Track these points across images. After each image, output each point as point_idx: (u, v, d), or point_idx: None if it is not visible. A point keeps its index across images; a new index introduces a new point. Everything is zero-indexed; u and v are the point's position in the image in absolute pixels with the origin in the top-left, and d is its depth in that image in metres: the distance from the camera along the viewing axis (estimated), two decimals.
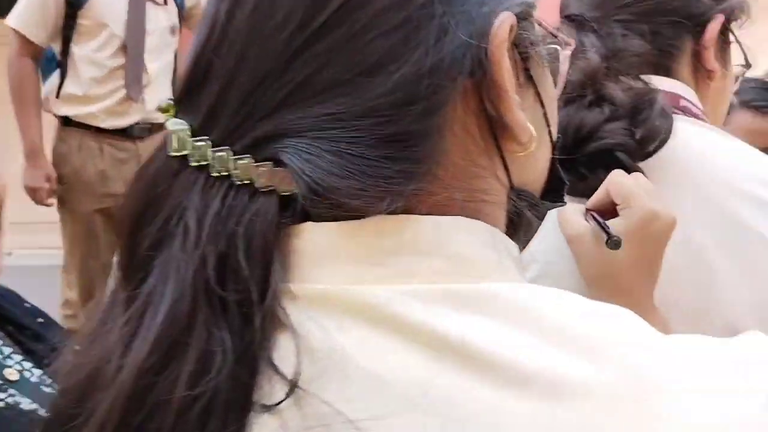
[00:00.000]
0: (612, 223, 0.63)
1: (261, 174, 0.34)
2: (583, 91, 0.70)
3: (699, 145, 0.75)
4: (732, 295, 0.69)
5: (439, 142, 0.36)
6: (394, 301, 0.32)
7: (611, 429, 0.29)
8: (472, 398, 0.30)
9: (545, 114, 0.43)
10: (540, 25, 0.43)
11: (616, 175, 0.66)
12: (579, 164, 0.69)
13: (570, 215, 0.66)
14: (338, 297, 0.33)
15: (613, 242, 0.60)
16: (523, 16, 0.39)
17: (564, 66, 0.49)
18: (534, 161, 0.43)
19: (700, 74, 0.81)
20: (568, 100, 0.69)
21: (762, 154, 0.79)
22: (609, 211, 0.65)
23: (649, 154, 0.70)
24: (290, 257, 0.34)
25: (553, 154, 0.46)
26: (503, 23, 0.36)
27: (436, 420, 0.29)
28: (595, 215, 0.65)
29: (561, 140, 0.57)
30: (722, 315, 0.69)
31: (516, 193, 0.41)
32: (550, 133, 0.45)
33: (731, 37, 0.82)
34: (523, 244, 0.45)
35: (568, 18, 0.76)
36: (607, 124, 0.69)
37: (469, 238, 0.36)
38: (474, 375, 0.30)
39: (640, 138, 0.70)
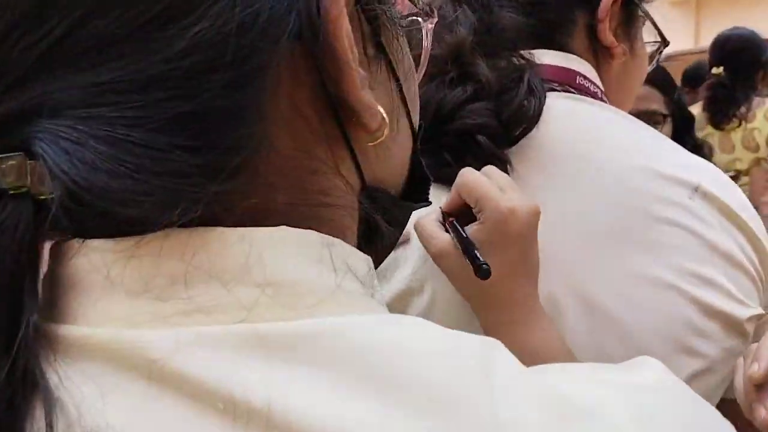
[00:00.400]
0: (471, 232, 0.58)
1: (7, 169, 0.24)
2: (446, 68, 0.65)
3: (587, 126, 0.69)
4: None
5: (256, 125, 0.27)
6: (182, 352, 0.24)
7: None
8: None
9: (402, 95, 0.35)
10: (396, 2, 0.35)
11: (465, 175, 0.60)
12: (443, 149, 0.64)
13: (428, 227, 0.60)
14: (106, 346, 0.24)
15: (482, 272, 0.53)
16: None
17: (427, 41, 0.42)
18: (390, 153, 0.35)
19: (601, 51, 0.75)
20: (431, 77, 0.64)
21: (660, 135, 0.75)
22: (466, 213, 0.60)
23: (516, 139, 0.65)
24: (56, 288, 0.26)
25: (415, 144, 0.38)
26: None
27: None
28: (456, 226, 0.59)
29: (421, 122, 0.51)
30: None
31: (368, 193, 0.34)
32: (410, 118, 0.37)
33: (640, 12, 0.76)
34: (382, 256, 0.38)
35: None
36: (469, 103, 0.64)
37: (294, 257, 0.27)
38: None
39: (506, 120, 0.64)
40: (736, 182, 2.73)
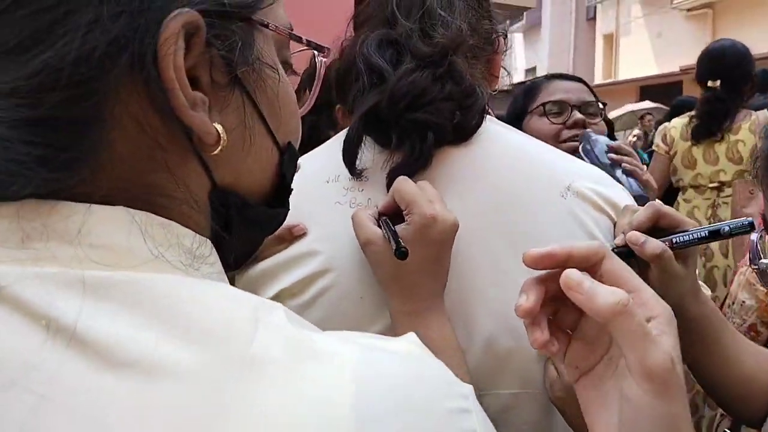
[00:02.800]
0: (399, 229, 0.68)
1: None
2: (441, 60, 0.73)
3: (517, 144, 0.81)
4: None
5: (93, 132, 0.37)
6: (22, 283, 0.33)
7: (196, 408, 0.31)
8: (74, 380, 0.31)
9: (262, 117, 0.45)
10: (277, 30, 0.45)
11: (400, 182, 0.71)
12: (393, 129, 0.73)
13: (363, 220, 0.70)
14: None
15: (400, 252, 0.64)
16: (229, 11, 0.40)
17: (320, 71, 0.54)
18: (244, 164, 0.44)
19: (488, 79, 0.86)
20: (425, 63, 0.72)
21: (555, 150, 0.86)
22: (399, 215, 0.69)
23: (455, 141, 0.75)
24: None
25: (281, 157, 0.48)
26: (174, 20, 0.37)
27: (31, 397, 0.31)
28: (387, 221, 0.69)
29: (393, 100, 0.68)
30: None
31: (219, 194, 0.43)
32: (273, 136, 0.46)
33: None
34: (242, 245, 0.48)
35: None
36: (441, 102, 0.72)
37: (122, 230, 0.37)
38: (80, 358, 0.32)
39: (456, 123, 0.74)
40: (719, 193, 2.84)
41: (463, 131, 0.75)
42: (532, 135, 1.48)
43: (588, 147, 1.50)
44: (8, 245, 0.35)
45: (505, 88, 1.01)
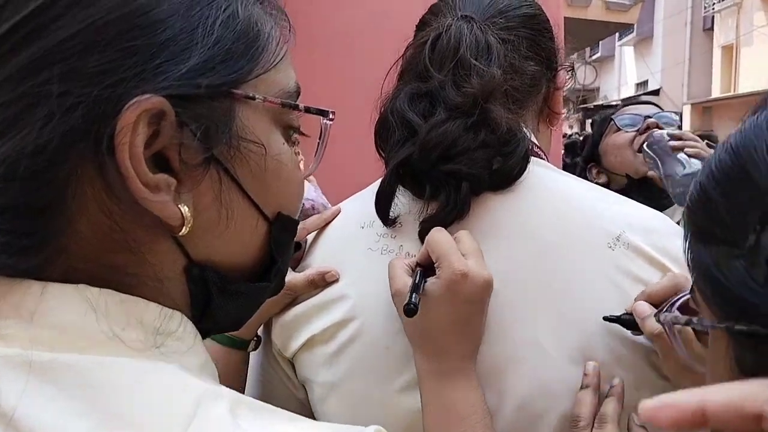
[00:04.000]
0: (427, 284, 0.64)
1: None
2: (472, 109, 0.70)
3: (563, 189, 0.75)
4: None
5: (54, 217, 0.37)
6: None
7: None
8: None
9: (244, 192, 0.44)
10: (266, 101, 0.44)
11: (434, 233, 0.67)
12: (427, 179, 0.70)
13: (397, 270, 0.67)
14: None
15: (408, 308, 0.60)
16: (207, 90, 0.40)
17: (326, 136, 0.53)
18: (222, 238, 0.43)
19: (546, 117, 0.82)
20: (456, 113, 0.70)
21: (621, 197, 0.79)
22: (433, 267, 0.66)
23: (494, 189, 0.72)
24: None
25: (269, 229, 0.47)
26: (131, 109, 0.36)
27: None
28: (420, 273, 0.65)
29: (425, 151, 0.67)
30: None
31: (196, 270, 0.43)
32: (259, 209, 0.45)
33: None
34: (229, 315, 0.46)
35: (467, 18, 0.76)
36: (475, 151, 0.69)
37: (77, 309, 0.37)
38: None
39: (495, 171, 0.70)
40: None
41: (504, 178, 0.72)
42: (609, 154, 1.63)
43: (653, 146, 1.47)
44: None
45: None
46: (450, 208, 0.69)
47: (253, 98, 0.43)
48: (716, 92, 16.82)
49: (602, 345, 0.69)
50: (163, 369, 0.38)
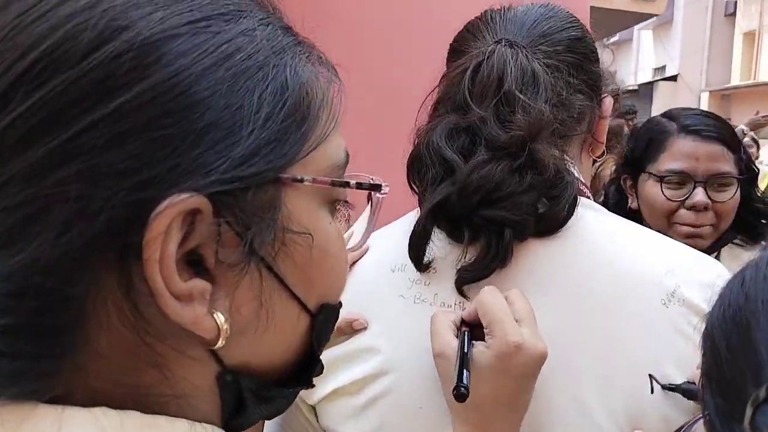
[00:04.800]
0: (475, 351, 0.59)
1: None
2: (519, 152, 0.65)
3: (613, 236, 0.71)
4: None
5: (71, 336, 0.32)
6: None
7: None
8: None
9: (292, 293, 0.38)
10: (315, 182, 0.38)
11: (485, 293, 0.62)
12: (465, 223, 0.65)
13: (441, 327, 0.62)
14: None
15: (459, 393, 0.55)
16: (245, 183, 0.33)
17: (377, 209, 0.47)
18: (261, 341, 0.38)
19: (585, 146, 0.76)
20: (500, 154, 0.64)
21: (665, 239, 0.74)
22: (481, 327, 0.61)
23: (539, 235, 0.67)
24: None
25: (312, 323, 0.41)
26: (164, 214, 0.31)
27: None
28: (467, 336, 0.60)
29: (464, 194, 0.62)
30: None
31: (231, 376, 0.37)
32: (302, 304, 0.39)
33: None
34: (253, 419, 0.40)
35: (510, 44, 0.70)
36: (521, 195, 0.64)
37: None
38: None
39: (541, 215, 0.65)
40: None
41: (550, 224, 0.66)
42: (645, 199, 1.38)
43: None
44: None
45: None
46: (491, 257, 0.64)
47: (302, 180, 0.37)
48: (735, 80, 16.53)
49: (656, 414, 0.64)
50: None
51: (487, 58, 0.68)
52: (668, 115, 1.46)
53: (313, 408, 0.73)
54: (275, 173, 0.35)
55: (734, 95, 16.14)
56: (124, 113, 0.30)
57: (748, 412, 0.35)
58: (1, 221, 0.30)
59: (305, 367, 0.42)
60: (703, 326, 0.47)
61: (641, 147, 1.44)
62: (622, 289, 0.66)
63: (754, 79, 15.56)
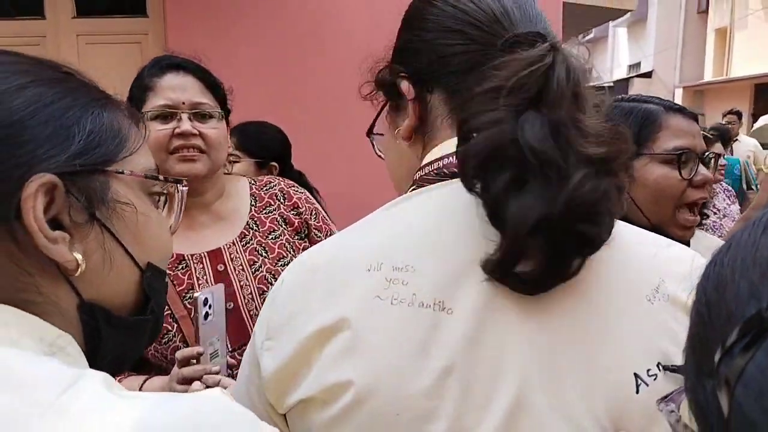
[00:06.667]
0: None
1: None
2: (613, 168, 0.62)
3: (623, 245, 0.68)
4: None
5: None
6: None
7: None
8: None
9: (123, 246, 0.57)
10: (133, 174, 0.58)
11: None
12: (558, 241, 0.60)
13: None
14: None
15: None
16: (84, 168, 0.54)
17: (182, 203, 0.66)
18: (107, 281, 0.57)
19: None
20: (596, 168, 0.61)
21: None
22: None
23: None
24: None
25: (141, 275, 0.59)
26: (30, 185, 0.51)
27: None
28: None
29: (570, 207, 0.59)
30: None
31: (87, 306, 0.55)
32: (133, 258, 0.58)
33: None
34: (117, 348, 0.58)
35: (558, 49, 0.65)
36: (610, 215, 0.62)
37: None
38: None
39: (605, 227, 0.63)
40: None
41: (609, 234, 0.63)
42: (647, 183, 1.27)
43: None
44: None
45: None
46: (558, 272, 0.61)
47: (122, 173, 0.58)
48: (708, 76, 16.78)
49: (641, 413, 0.62)
50: (50, 360, 0.48)
51: (555, 58, 0.63)
52: (636, 99, 1.40)
53: (284, 417, 0.69)
54: (101, 166, 0.56)
55: (707, 91, 16.38)
56: None
57: (714, 364, 0.36)
58: None
59: (142, 310, 0.61)
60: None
61: (634, 131, 1.31)
62: (611, 289, 0.64)
63: (727, 74, 15.81)
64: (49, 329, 0.52)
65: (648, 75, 18.39)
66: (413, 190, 0.73)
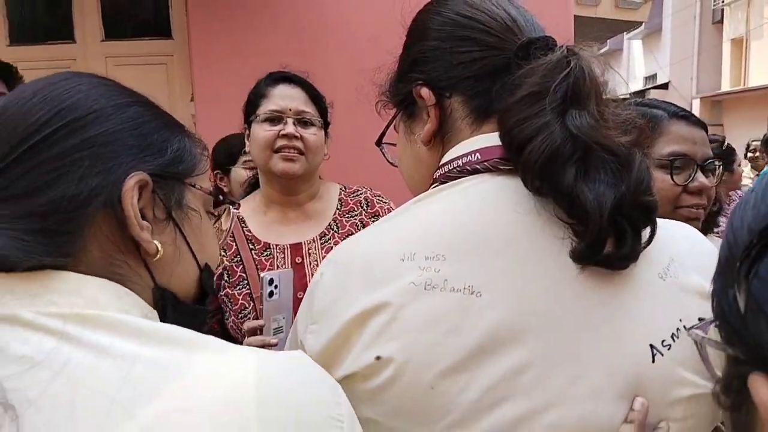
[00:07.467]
0: None
1: None
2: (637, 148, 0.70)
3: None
4: None
5: (74, 240, 0.60)
6: (38, 317, 0.54)
7: (158, 372, 0.52)
8: (79, 362, 0.52)
9: (187, 242, 0.69)
10: (201, 190, 0.71)
11: None
12: (626, 219, 0.68)
13: None
14: (4, 316, 0.54)
15: None
16: (168, 175, 0.66)
17: (227, 223, 0.79)
18: (174, 271, 0.68)
19: None
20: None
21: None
22: None
23: None
24: None
25: (200, 272, 0.71)
26: (130, 179, 0.62)
27: (48, 372, 0.51)
28: None
29: (636, 184, 0.69)
30: None
31: (158, 288, 0.66)
32: (194, 256, 0.70)
33: None
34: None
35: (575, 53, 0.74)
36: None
37: (100, 290, 0.59)
38: (81, 352, 0.53)
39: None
40: None
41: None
42: None
43: None
44: (32, 295, 0.56)
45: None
46: (638, 241, 0.69)
47: (194, 186, 0.70)
48: (726, 86, 16.69)
49: (655, 379, 0.68)
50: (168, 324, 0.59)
51: (575, 62, 0.71)
52: (646, 104, 1.44)
53: None
54: (181, 177, 0.68)
55: (725, 101, 16.28)
56: (110, 132, 0.63)
57: (736, 271, 0.42)
58: (44, 177, 0.59)
59: (201, 300, 0.73)
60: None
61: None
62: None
63: (744, 84, 15.72)
64: (144, 304, 0.63)
65: (664, 86, 18.32)
66: (435, 187, 0.80)
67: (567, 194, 0.68)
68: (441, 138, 0.82)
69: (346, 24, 3.66)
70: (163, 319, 0.65)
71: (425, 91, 0.81)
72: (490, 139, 0.76)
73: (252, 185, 1.88)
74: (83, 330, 0.54)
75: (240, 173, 2.46)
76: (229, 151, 2.45)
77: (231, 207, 0.80)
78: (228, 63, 3.49)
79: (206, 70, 3.51)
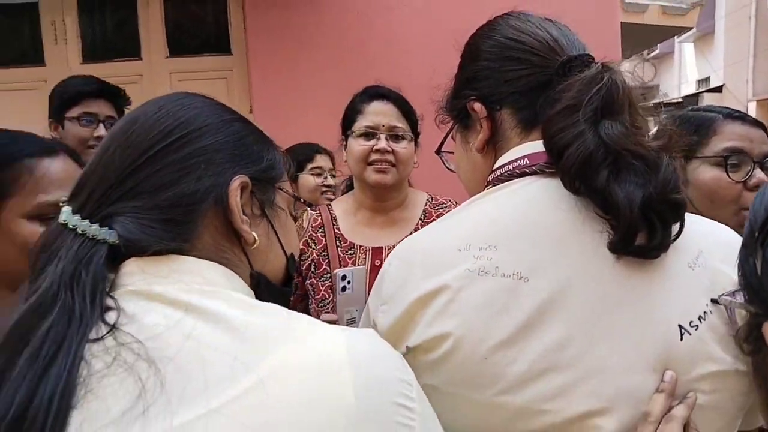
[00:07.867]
0: None
1: (101, 233, 0.69)
2: (664, 153, 0.80)
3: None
4: None
5: (191, 229, 0.72)
6: (168, 291, 0.66)
7: (260, 338, 0.63)
8: (202, 331, 0.63)
9: (277, 234, 0.82)
10: (287, 192, 0.85)
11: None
12: (657, 215, 0.77)
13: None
14: (140, 291, 0.67)
15: None
16: (263, 179, 0.79)
17: (305, 222, 1.02)
18: (267, 259, 0.80)
19: None
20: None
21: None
22: None
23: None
24: (119, 275, 0.69)
25: (287, 261, 0.84)
26: (235, 181, 0.75)
27: (181, 336, 0.62)
28: None
29: (664, 184, 0.78)
30: None
31: (255, 273, 0.78)
32: (282, 246, 0.82)
33: None
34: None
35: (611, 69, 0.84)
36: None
37: (212, 272, 0.71)
38: (203, 321, 0.64)
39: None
40: None
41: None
42: (700, 185, 1.36)
43: None
44: (161, 274, 0.69)
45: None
46: (658, 242, 0.77)
47: (282, 189, 0.84)
48: None
49: (683, 356, 0.77)
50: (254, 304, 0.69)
51: (608, 77, 0.82)
52: (702, 109, 1.44)
53: None
54: (273, 181, 0.82)
55: None
56: (221, 143, 0.77)
57: (755, 245, 0.56)
58: (168, 177, 0.72)
59: (287, 284, 0.86)
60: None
61: (688, 135, 1.32)
62: (658, 257, 0.79)
63: None
64: (245, 284, 0.75)
65: (718, 89, 17.87)
66: (489, 188, 0.91)
67: (600, 193, 0.78)
68: (493, 146, 0.94)
69: (390, 42, 3.79)
70: (258, 298, 0.76)
71: (478, 106, 0.93)
72: (536, 146, 0.87)
73: (348, 186, 2.06)
74: (205, 301, 0.65)
75: (308, 180, 2.67)
76: (295, 160, 2.63)
77: (309, 209, 0.95)
78: (284, 76, 3.66)
79: (263, 83, 3.70)
